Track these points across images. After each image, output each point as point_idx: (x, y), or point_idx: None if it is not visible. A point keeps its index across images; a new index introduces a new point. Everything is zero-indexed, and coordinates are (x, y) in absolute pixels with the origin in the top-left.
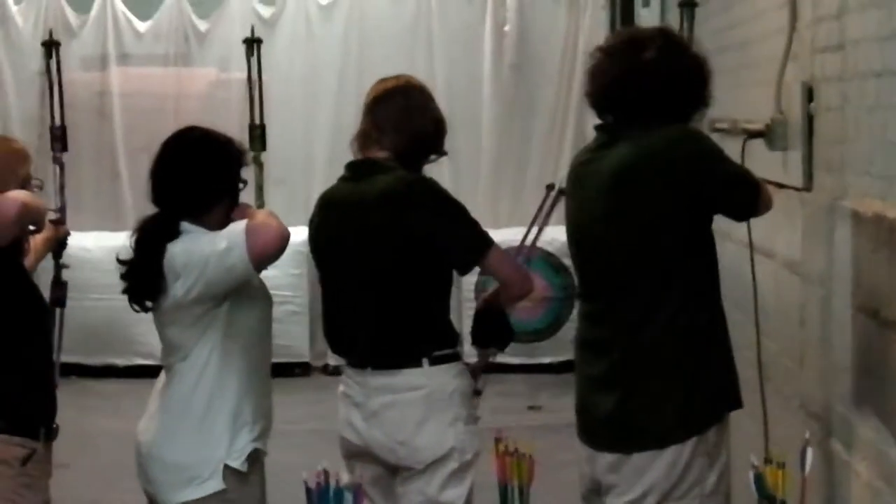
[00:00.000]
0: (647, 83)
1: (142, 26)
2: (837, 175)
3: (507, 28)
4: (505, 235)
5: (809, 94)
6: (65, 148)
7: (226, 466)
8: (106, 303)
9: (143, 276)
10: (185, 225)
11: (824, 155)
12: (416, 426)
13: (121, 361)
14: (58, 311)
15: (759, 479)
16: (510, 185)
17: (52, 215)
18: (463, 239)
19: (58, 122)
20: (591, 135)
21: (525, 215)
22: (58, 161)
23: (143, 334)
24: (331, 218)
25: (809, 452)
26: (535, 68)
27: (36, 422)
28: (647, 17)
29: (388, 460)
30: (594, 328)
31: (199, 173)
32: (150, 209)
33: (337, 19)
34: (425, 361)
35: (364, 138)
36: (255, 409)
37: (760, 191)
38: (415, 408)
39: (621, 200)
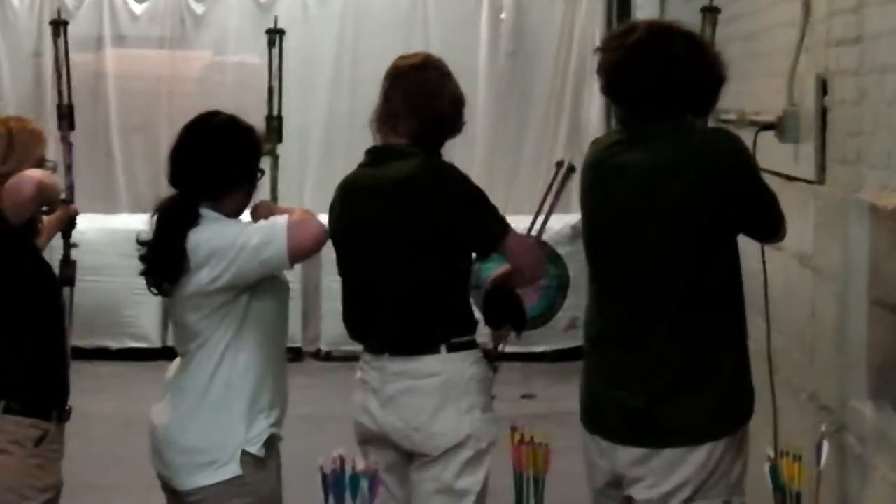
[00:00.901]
0: (674, 79)
1: (138, 8)
2: (853, 168)
3: (503, 16)
4: None
5: (823, 87)
6: (72, 126)
7: (244, 452)
8: (99, 285)
9: (165, 260)
10: (204, 210)
11: (839, 148)
12: (433, 413)
13: (113, 344)
14: (67, 290)
15: (775, 471)
16: (505, 173)
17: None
18: (484, 224)
19: (65, 100)
20: (585, 124)
21: (519, 203)
22: (66, 140)
23: (135, 317)
24: (351, 205)
25: (825, 445)
26: (531, 57)
27: (48, 403)
28: (643, 6)
29: (404, 446)
30: (621, 323)
31: (222, 157)
32: (141, 190)
33: (333, 5)
34: (443, 348)
35: (381, 122)
36: (272, 395)
37: (784, 218)
38: (431, 394)
39: (659, 198)
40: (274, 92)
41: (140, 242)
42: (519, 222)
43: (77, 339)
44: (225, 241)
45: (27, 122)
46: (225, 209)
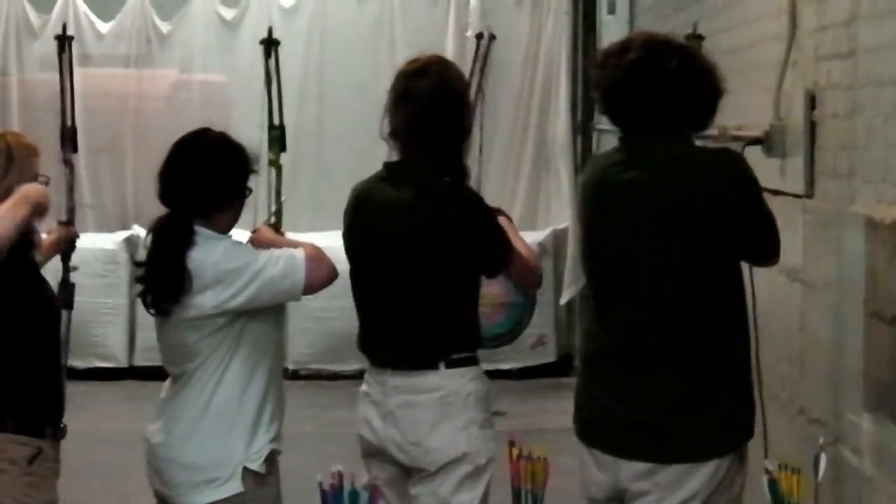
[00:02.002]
0: (676, 93)
1: (103, 27)
2: (845, 181)
3: (469, 33)
4: None
5: (812, 102)
6: (75, 148)
7: (244, 468)
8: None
9: (167, 281)
10: (200, 229)
11: (829, 162)
12: (430, 428)
13: (80, 364)
14: (64, 312)
15: (773, 485)
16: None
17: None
18: (494, 248)
19: (69, 122)
20: (551, 137)
21: None
22: (69, 162)
23: (102, 336)
24: (364, 218)
25: (823, 458)
26: (497, 73)
27: (43, 420)
28: (611, 24)
29: (402, 461)
30: (625, 339)
31: (215, 174)
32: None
33: (300, 22)
34: (442, 364)
35: (395, 137)
36: (272, 411)
37: (780, 244)
38: (429, 410)
39: (665, 218)
40: (273, 102)
41: (137, 264)
42: None
43: None
44: (236, 264)
45: (22, 136)
46: (217, 226)
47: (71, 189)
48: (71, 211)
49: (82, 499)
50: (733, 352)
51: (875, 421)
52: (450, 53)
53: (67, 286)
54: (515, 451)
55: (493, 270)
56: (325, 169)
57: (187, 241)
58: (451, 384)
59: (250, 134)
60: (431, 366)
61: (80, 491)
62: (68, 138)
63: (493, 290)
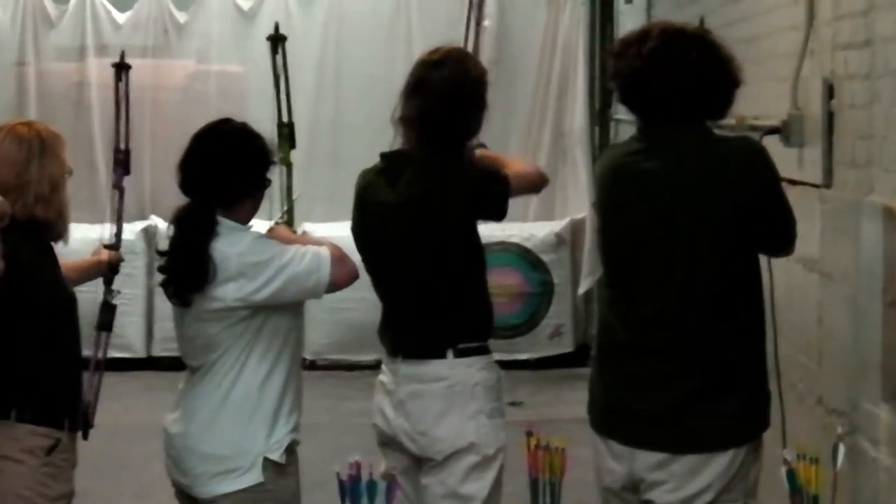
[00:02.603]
0: (694, 82)
1: (120, 17)
2: (863, 171)
3: (486, 23)
4: (483, 231)
5: (830, 91)
6: (127, 171)
7: (265, 459)
8: (83, 295)
9: (191, 270)
10: (222, 220)
11: (847, 151)
12: (437, 417)
13: (91, 353)
14: (103, 334)
15: (792, 475)
16: None
17: (106, 240)
18: (492, 187)
19: (123, 144)
20: (569, 127)
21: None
22: (118, 186)
23: (119, 326)
24: (367, 212)
25: (841, 448)
26: (514, 65)
27: (60, 412)
28: (628, 13)
29: (412, 450)
30: (643, 330)
31: (237, 163)
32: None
33: (316, 12)
34: (450, 353)
35: (404, 124)
36: (292, 402)
37: (796, 235)
38: (437, 399)
39: (684, 208)
40: (282, 98)
41: (160, 253)
42: (502, 230)
43: None
44: (261, 258)
45: (48, 124)
46: (238, 217)
47: (119, 215)
48: (118, 236)
49: (100, 489)
50: (749, 343)
51: (892, 411)
52: (466, 48)
53: (109, 307)
54: (533, 442)
55: (497, 211)
56: (341, 160)
57: (210, 230)
58: (459, 374)
59: (268, 124)
60: (439, 355)
61: (97, 481)
62: (121, 162)
63: (509, 281)
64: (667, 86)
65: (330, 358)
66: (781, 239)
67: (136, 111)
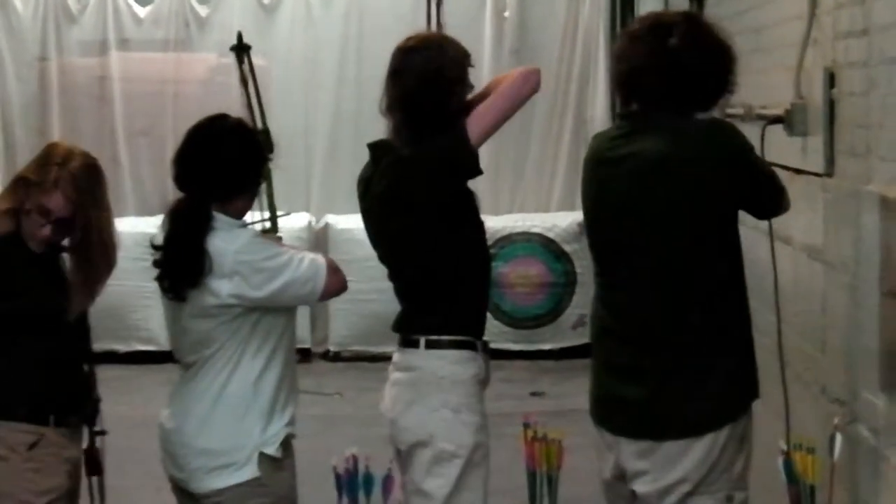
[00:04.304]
0: (672, 71)
1: (142, 11)
2: (862, 160)
3: (506, 14)
4: (506, 222)
5: (831, 80)
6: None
7: (261, 453)
8: (106, 288)
9: (185, 264)
10: (218, 215)
11: (847, 140)
12: (405, 407)
13: (121, 347)
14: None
15: (788, 465)
16: (510, 171)
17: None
18: (457, 151)
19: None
20: (590, 120)
21: (526, 201)
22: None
23: (143, 320)
24: (362, 202)
25: (838, 438)
26: (534, 54)
27: (45, 409)
28: (648, 4)
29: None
30: (622, 317)
31: (234, 158)
32: (148, 193)
33: (337, 4)
34: (422, 343)
35: (388, 112)
36: (287, 396)
37: (784, 192)
38: (407, 388)
39: (655, 192)
40: (254, 107)
41: (154, 247)
42: (525, 220)
43: None
44: (257, 257)
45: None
46: (233, 212)
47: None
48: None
49: (121, 482)
50: (729, 328)
51: (890, 400)
52: (487, 35)
53: None
54: (530, 434)
55: (465, 172)
56: (363, 152)
57: (205, 224)
58: (429, 365)
59: (290, 116)
60: (414, 344)
61: (119, 474)
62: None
63: (532, 271)
64: (636, 71)
65: (354, 349)
66: (768, 202)
67: (158, 105)
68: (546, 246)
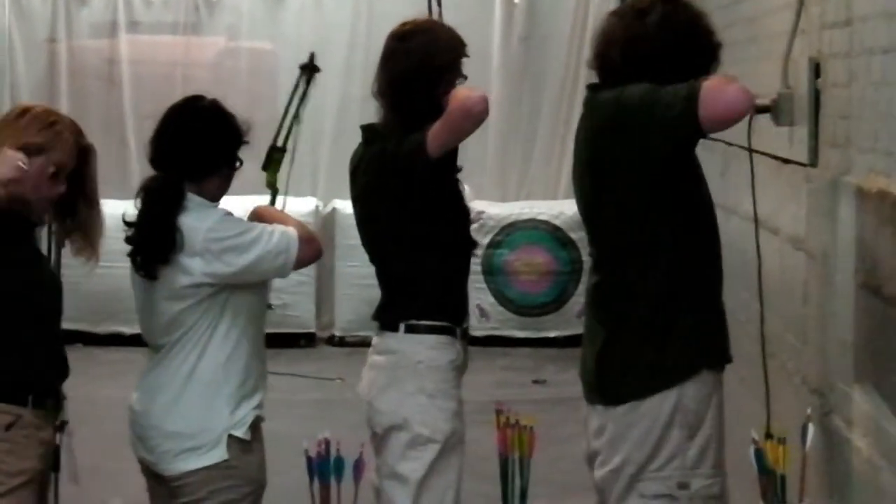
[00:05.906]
0: (647, 48)
1: None
2: (842, 151)
3: (516, 0)
4: (512, 209)
5: (816, 70)
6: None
7: (230, 436)
8: (112, 271)
9: (157, 241)
10: (191, 195)
11: (830, 131)
12: (381, 390)
13: (126, 329)
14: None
15: (760, 454)
16: (518, 158)
17: None
18: (419, 174)
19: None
20: None
21: (534, 188)
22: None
23: None
24: (352, 182)
25: (810, 428)
26: (544, 41)
27: (23, 389)
28: None
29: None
30: (588, 287)
31: (207, 138)
32: None
33: None
34: (401, 327)
35: (379, 96)
36: (256, 379)
37: (699, 90)
38: (383, 371)
39: (591, 158)
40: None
41: (127, 223)
42: (531, 207)
43: (90, 325)
44: (227, 234)
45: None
46: (206, 192)
47: None
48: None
49: (119, 465)
50: (679, 292)
51: (864, 391)
52: (496, 22)
53: None
54: (502, 420)
55: (422, 185)
56: None
57: (178, 202)
58: (406, 349)
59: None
60: (393, 328)
61: (116, 457)
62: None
63: (538, 259)
64: (615, 48)
65: (359, 335)
66: (671, 114)
67: (167, 88)
68: (552, 233)
